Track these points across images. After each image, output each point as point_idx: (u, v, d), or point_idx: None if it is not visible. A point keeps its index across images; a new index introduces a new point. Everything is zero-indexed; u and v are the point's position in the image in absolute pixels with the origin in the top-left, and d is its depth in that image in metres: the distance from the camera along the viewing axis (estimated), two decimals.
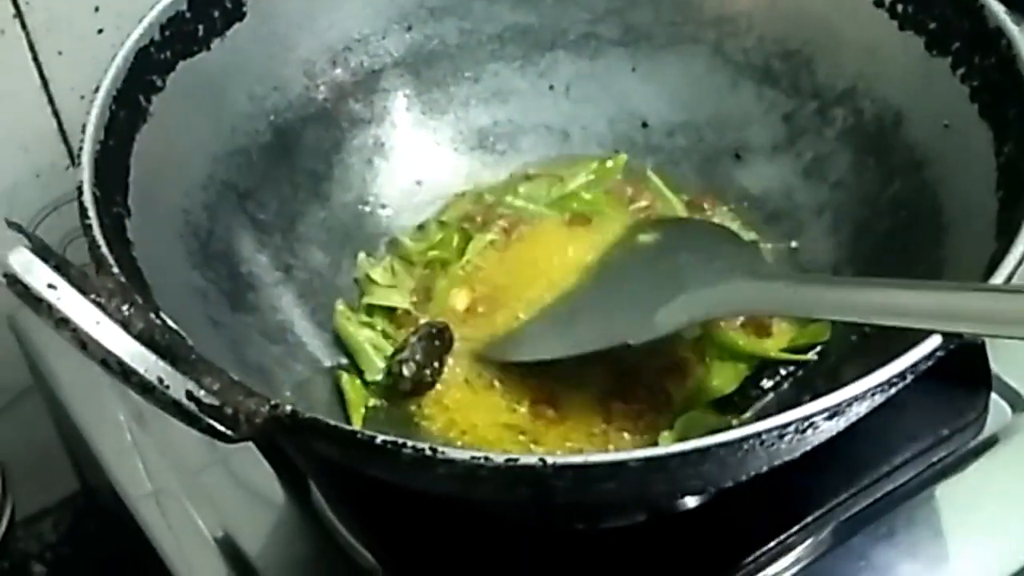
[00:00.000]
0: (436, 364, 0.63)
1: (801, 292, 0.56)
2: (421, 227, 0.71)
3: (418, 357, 0.63)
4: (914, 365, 0.46)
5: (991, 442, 0.63)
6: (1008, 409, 0.64)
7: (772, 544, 0.58)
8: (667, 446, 0.44)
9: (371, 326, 0.66)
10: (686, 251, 0.65)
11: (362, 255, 0.69)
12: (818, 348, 0.62)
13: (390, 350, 0.65)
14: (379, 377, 0.64)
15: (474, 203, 0.72)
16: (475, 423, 0.62)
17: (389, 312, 0.67)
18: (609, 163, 0.73)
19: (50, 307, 0.44)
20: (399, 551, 0.60)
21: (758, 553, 0.58)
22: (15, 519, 0.75)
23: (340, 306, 0.66)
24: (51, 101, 0.72)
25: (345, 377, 0.63)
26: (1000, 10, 0.58)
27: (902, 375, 0.46)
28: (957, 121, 0.59)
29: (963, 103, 0.59)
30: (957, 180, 0.59)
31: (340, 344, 0.65)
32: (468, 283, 0.68)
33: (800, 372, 0.62)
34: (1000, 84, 0.57)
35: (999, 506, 0.61)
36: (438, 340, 0.64)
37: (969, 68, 0.59)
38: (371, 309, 0.67)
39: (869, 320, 0.52)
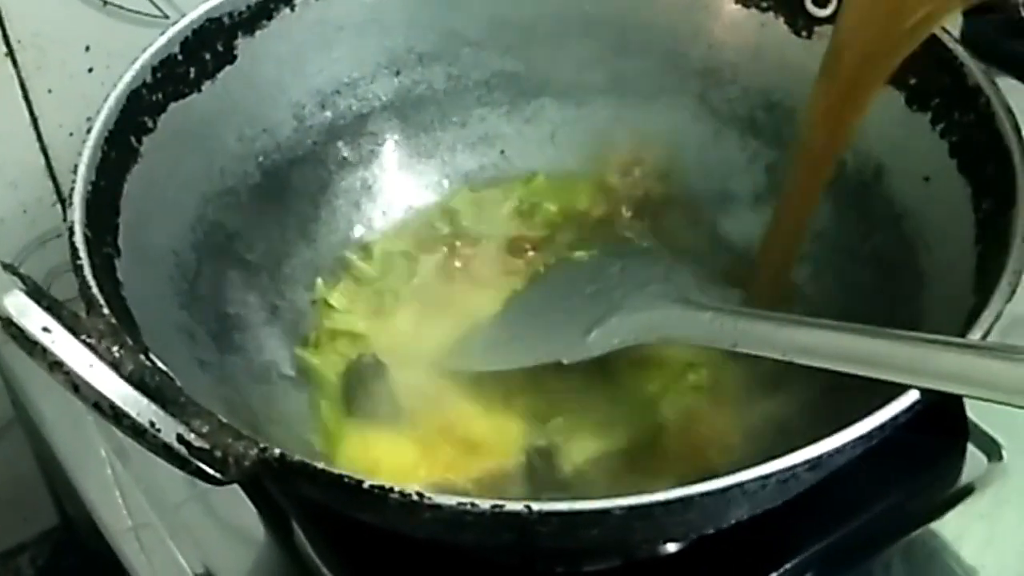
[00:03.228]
0: None
1: (728, 325, 0.56)
2: (365, 247, 0.71)
3: None
4: (895, 417, 0.46)
5: (967, 491, 0.63)
6: (984, 458, 0.64)
7: None
8: (651, 494, 0.44)
9: (334, 351, 0.66)
10: (621, 272, 0.66)
11: (319, 280, 0.69)
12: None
13: None
14: None
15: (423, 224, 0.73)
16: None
17: (351, 336, 0.67)
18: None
19: (44, 350, 0.44)
20: None
21: None
22: None
23: (298, 351, 0.66)
24: (40, 138, 0.73)
25: (327, 413, 0.64)
26: (979, 68, 0.59)
27: (882, 427, 0.46)
28: (937, 175, 0.60)
29: (943, 158, 0.60)
30: (937, 234, 0.59)
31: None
32: (414, 304, 0.69)
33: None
34: (979, 141, 0.58)
35: (975, 555, 0.62)
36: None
37: (949, 124, 0.60)
38: (333, 334, 0.67)
39: (795, 359, 0.52)
